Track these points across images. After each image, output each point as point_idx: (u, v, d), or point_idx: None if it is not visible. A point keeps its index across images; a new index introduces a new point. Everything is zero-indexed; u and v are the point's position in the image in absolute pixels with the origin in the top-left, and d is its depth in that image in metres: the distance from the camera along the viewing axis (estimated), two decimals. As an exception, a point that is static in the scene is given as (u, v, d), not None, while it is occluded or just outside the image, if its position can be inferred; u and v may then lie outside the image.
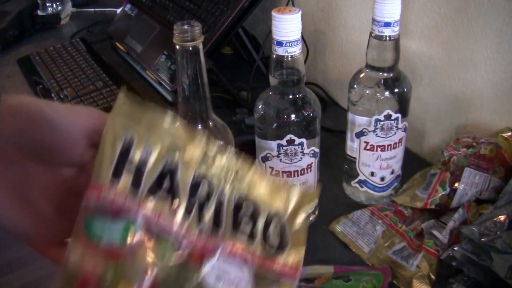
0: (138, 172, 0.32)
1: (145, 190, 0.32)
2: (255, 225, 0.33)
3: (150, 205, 0.32)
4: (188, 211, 0.32)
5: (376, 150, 0.68)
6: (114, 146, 0.32)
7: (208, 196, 0.33)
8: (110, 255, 0.31)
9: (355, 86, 0.67)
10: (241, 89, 0.98)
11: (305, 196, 0.35)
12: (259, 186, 0.34)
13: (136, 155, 0.32)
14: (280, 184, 0.34)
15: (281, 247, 0.33)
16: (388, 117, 0.65)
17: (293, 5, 0.97)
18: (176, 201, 0.32)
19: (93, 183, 0.32)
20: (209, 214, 0.33)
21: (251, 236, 0.33)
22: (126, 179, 0.32)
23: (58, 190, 0.35)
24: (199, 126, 0.53)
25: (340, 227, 0.68)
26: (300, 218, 0.34)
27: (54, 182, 0.34)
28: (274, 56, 0.57)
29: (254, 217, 0.33)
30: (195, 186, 0.33)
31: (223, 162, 0.34)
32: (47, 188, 0.34)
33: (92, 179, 0.32)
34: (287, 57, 0.57)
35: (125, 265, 0.31)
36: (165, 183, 0.32)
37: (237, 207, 0.33)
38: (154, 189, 0.32)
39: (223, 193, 0.33)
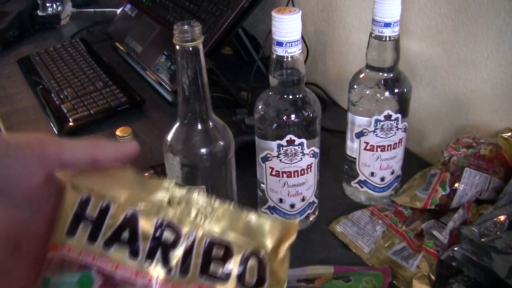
0: (95, 228, 0.32)
1: (101, 243, 0.32)
2: (228, 267, 0.32)
3: (107, 257, 0.32)
4: (151, 260, 0.32)
5: (376, 151, 0.68)
6: (71, 205, 0.33)
7: (175, 243, 0.32)
8: None
9: (355, 86, 0.67)
10: (241, 89, 0.98)
11: (285, 229, 0.33)
12: (233, 225, 0.33)
13: (93, 211, 0.32)
14: (258, 220, 0.33)
15: (259, 285, 0.32)
16: (388, 117, 0.65)
17: (293, 5, 0.97)
18: (137, 251, 0.32)
19: (51, 243, 0.32)
20: (175, 260, 0.32)
21: (225, 278, 0.32)
22: (81, 235, 0.32)
23: (10, 230, 0.33)
24: (199, 126, 0.53)
25: (340, 227, 0.68)
26: (282, 253, 0.33)
27: (7, 221, 0.33)
28: (274, 56, 0.57)
29: (226, 259, 0.32)
30: (159, 234, 0.32)
31: (191, 206, 0.33)
32: None
33: (51, 240, 0.32)
34: (287, 57, 0.57)
35: None
36: (125, 234, 0.32)
37: (208, 250, 0.32)
38: (112, 241, 0.32)
39: (192, 238, 0.33)
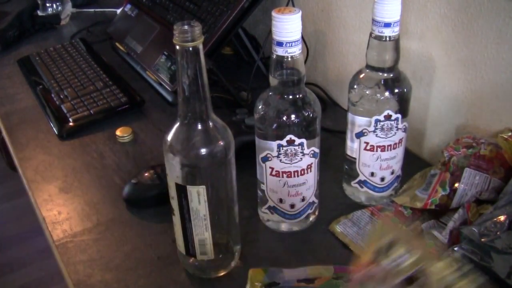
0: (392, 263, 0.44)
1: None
2: None
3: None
4: None
5: (376, 151, 0.68)
6: (379, 240, 0.45)
7: None
8: None
9: (355, 86, 0.67)
10: (241, 89, 0.98)
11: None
12: None
13: (394, 253, 0.44)
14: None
15: None
16: (388, 117, 0.65)
17: (293, 6, 0.97)
18: None
19: (359, 262, 0.47)
20: None
21: None
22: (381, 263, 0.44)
23: None
24: (199, 126, 0.53)
25: (340, 228, 0.68)
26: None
27: None
28: (274, 56, 0.57)
29: None
30: None
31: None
32: None
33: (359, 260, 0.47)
34: (287, 57, 0.57)
35: None
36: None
37: None
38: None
39: None
